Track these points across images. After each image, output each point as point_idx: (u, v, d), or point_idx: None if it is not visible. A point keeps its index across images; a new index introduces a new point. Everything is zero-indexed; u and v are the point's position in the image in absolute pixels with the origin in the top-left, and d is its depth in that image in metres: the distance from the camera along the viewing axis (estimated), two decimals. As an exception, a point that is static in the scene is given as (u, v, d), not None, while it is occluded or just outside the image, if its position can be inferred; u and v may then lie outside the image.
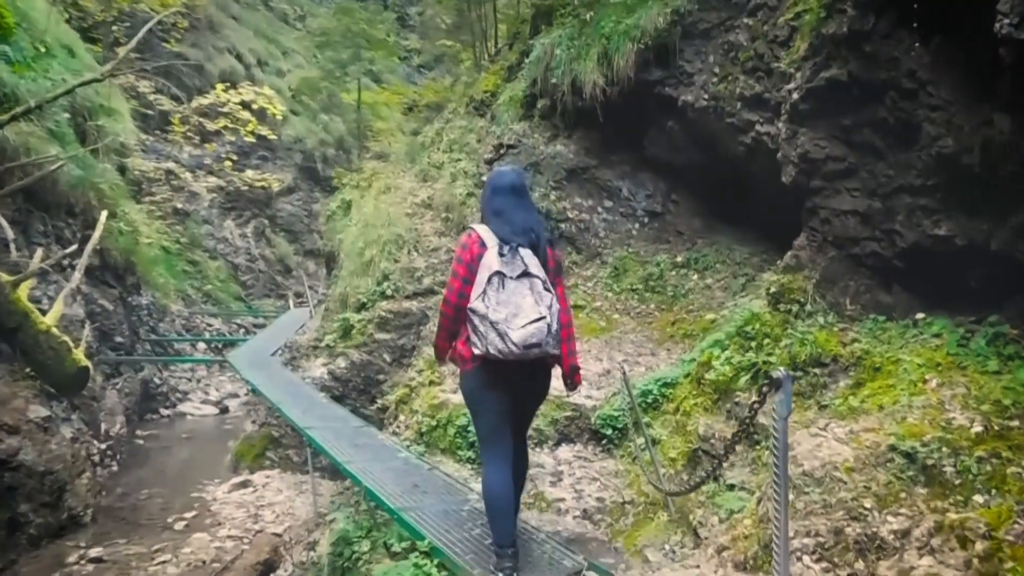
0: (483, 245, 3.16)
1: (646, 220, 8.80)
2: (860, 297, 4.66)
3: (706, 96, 7.06)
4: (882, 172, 4.37)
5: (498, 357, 3.02)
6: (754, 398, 2.66)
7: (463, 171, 10.39)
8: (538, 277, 3.11)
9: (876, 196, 4.45)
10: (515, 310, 3.01)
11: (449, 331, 3.32)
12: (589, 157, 9.03)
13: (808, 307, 4.65)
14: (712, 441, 4.50)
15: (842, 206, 4.64)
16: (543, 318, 3.02)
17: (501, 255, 3.08)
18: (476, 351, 3.11)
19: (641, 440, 4.91)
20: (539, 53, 9.06)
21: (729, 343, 4.93)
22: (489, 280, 3.05)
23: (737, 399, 4.52)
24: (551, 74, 8.68)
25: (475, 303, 3.07)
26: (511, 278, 3.06)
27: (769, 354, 4.52)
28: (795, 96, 4.71)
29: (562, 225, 8.91)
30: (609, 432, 5.54)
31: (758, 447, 4.16)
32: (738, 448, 4.39)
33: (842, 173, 4.59)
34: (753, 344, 4.69)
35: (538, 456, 5.54)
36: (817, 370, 4.30)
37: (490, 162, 9.87)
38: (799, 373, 4.36)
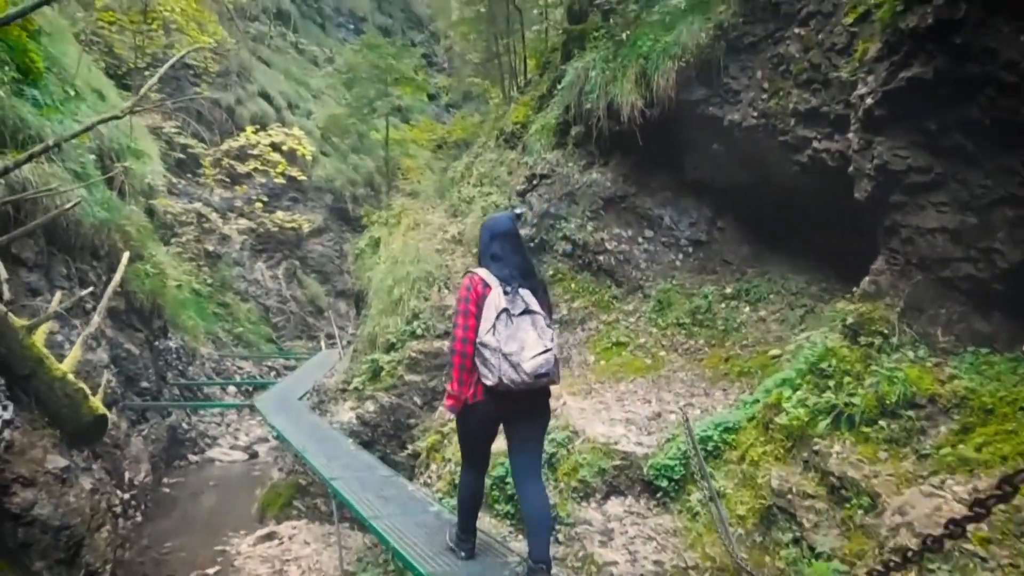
0: (486, 286, 3.37)
1: (690, 249, 8.23)
2: (954, 326, 4.07)
3: (755, 114, 6.55)
4: (976, 182, 3.82)
5: (510, 388, 3.20)
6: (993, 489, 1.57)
7: (494, 204, 10.00)
8: (539, 313, 3.34)
9: (969, 210, 3.90)
10: (521, 344, 3.20)
11: (468, 372, 3.37)
12: (627, 184, 8.53)
13: (894, 340, 4.07)
14: (789, 497, 3.89)
15: (928, 223, 4.09)
16: (549, 350, 3.23)
17: (505, 293, 3.30)
18: (488, 383, 3.26)
19: (706, 494, 4.32)
20: (572, 78, 8.65)
21: (801, 382, 4.33)
22: (498, 316, 3.24)
23: (816, 447, 3.91)
24: (585, 99, 8.26)
25: (485, 337, 3.24)
26: (515, 315, 3.26)
27: (851, 394, 3.93)
28: (868, 101, 4.19)
29: (600, 257, 8.40)
30: (664, 484, 4.90)
31: (848, 505, 3.54)
32: (820, 505, 3.79)
33: (927, 185, 4.05)
34: (831, 383, 4.09)
35: (584, 511, 4.95)
36: (911, 412, 3.71)
37: (522, 194, 9.46)
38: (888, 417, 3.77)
